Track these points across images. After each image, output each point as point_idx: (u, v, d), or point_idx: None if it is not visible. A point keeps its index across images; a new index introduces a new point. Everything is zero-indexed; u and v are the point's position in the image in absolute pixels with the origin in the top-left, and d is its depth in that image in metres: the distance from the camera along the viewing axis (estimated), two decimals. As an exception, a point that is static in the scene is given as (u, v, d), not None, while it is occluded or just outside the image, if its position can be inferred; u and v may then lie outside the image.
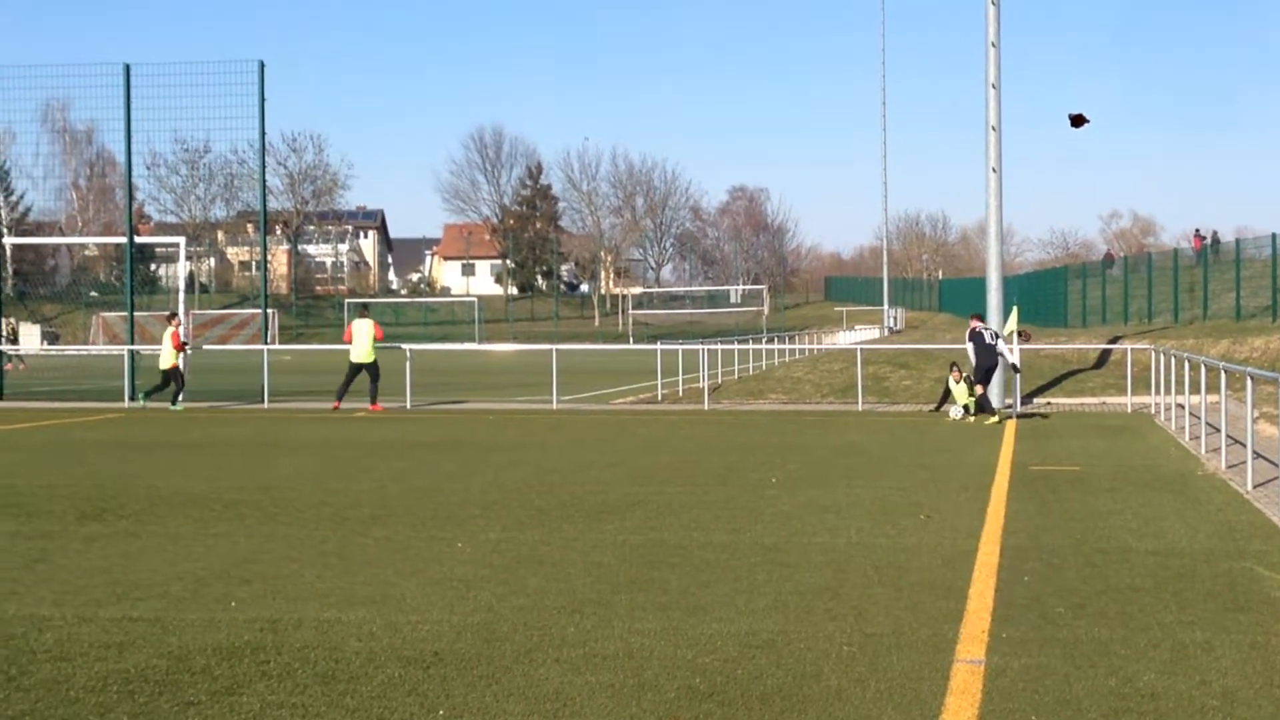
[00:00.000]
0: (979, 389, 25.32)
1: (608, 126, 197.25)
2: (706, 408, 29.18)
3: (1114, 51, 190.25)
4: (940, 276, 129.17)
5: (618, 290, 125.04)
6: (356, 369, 29.37)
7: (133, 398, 31.47)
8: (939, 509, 13.06)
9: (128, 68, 32.81)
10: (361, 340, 29.45)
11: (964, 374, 26.30)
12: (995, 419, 24.55)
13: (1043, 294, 69.33)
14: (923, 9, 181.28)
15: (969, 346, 25.55)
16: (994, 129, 28.16)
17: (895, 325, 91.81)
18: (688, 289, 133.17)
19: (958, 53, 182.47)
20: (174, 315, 30.78)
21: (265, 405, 30.37)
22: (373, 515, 12.83)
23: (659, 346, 35.12)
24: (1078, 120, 26.65)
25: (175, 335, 29.84)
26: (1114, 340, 39.96)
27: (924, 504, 13.41)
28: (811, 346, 54.67)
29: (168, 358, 29.78)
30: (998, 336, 25.76)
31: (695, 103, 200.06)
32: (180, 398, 29.72)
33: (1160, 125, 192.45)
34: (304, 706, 6.54)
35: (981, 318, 26.64)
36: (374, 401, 29.01)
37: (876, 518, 12.48)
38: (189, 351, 30.78)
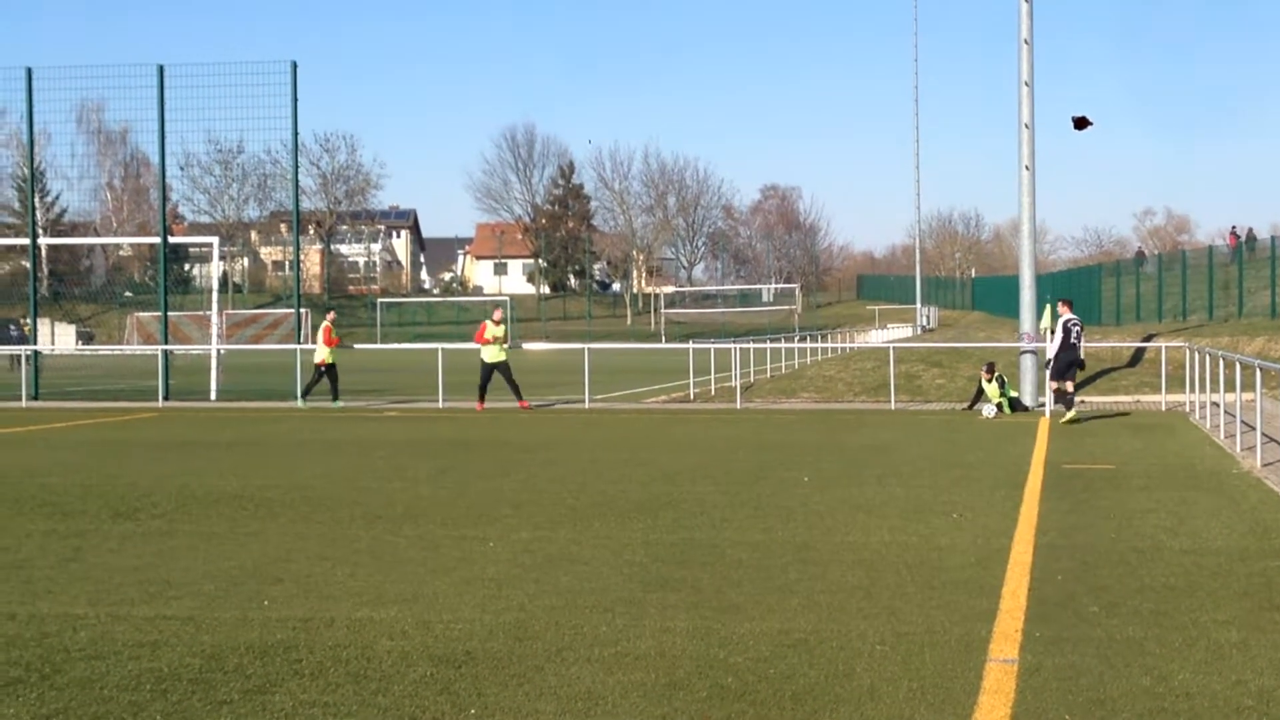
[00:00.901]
0: (1056, 384, 23.79)
1: (640, 125, 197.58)
2: (739, 406, 29.15)
3: (1147, 48, 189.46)
4: (973, 275, 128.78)
5: (650, 289, 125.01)
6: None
7: (167, 397, 31.60)
8: (972, 508, 13.01)
9: (161, 69, 32.99)
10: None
11: (995, 373, 26.18)
12: (1073, 415, 23.35)
13: (1076, 292, 68.84)
14: (955, 6, 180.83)
15: (1056, 335, 23.74)
16: (1027, 126, 28.04)
17: (928, 324, 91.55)
18: (720, 288, 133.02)
19: (990, 50, 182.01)
20: (330, 309, 30.54)
21: (300, 404, 30.43)
22: (405, 514, 12.85)
23: (691, 345, 35.10)
24: (1081, 123, 26.55)
25: (328, 330, 29.67)
26: (1148, 338, 39.74)
27: (957, 503, 13.37)
28: (844, 345, 54.57)
29: (321, 352, 29.63)
30: (1081, 332, 24.12)
31: (727, 101, 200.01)
32: (339, 394, 29.88)
33: (1194, 122, 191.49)
34: (336, 705, 6.55)
35: (1070, 304, 24.82)
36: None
37: (909, 516, 12.44)
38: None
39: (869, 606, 8.61)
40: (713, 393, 32.77)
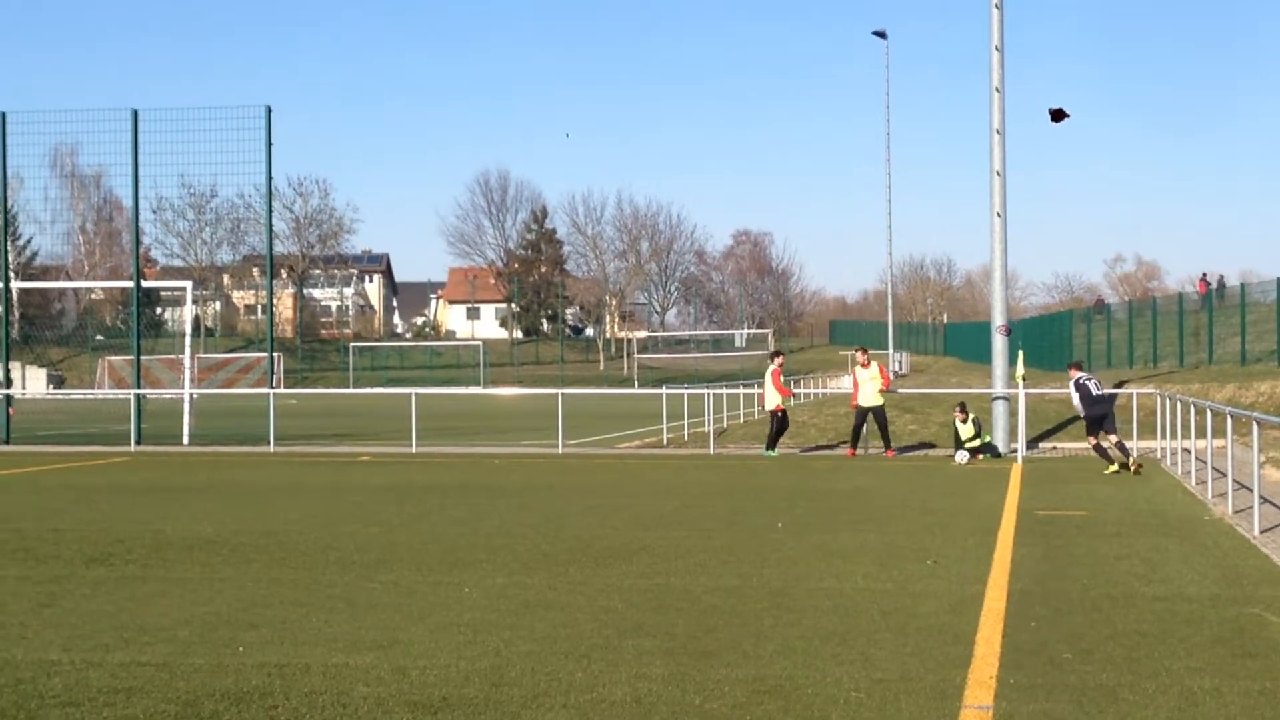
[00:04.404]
0: (1094, 440, 23.48)
1: (613, 170, 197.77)
2: (712, 452, 29.18)
3: (1115, 94, 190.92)
4: (945, 320, 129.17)
5: (623, 334, 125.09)
6: None
7: (139, 442, 31.49)
8: (946, 554, 13.06)
9: (135, 113, 33.05)
10: None
11: (970, 415, 26.26)
12: (1115, 468, 22.75)
13: (1047, 338, 69.38)
14: (927, 54, 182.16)
15: (1074, 397, 23.66)
16: (998, 174, 28.24)
17: (900, 369, 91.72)
18: (693, 333, 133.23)
19: (962, 97, 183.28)
20: (777, 354, 29.63)
21: (271, 449, 30.36)
22: (380, 560, 12.84)
23: (664, 391, 35.15)
24: (1057, 115, 26.45)
25: (776, 374, 28.59)
26: (1119, 384, 39.95)
27: (931, 549, 13.41)
28: (816, 391, 54.65)
29: (773, 398, 28.40)
30: (1101, 385, 23.91)
31: (699, 147, 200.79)
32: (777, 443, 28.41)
33: (1163, 168, 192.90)
34: (312, 752, 6.54)
35: (1080, 365, 24.75)
36: None
37: (883, 563, 12.48)
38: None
39: (844, 653, 8.63)
40: (686, 438, 32.80)
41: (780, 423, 28.15)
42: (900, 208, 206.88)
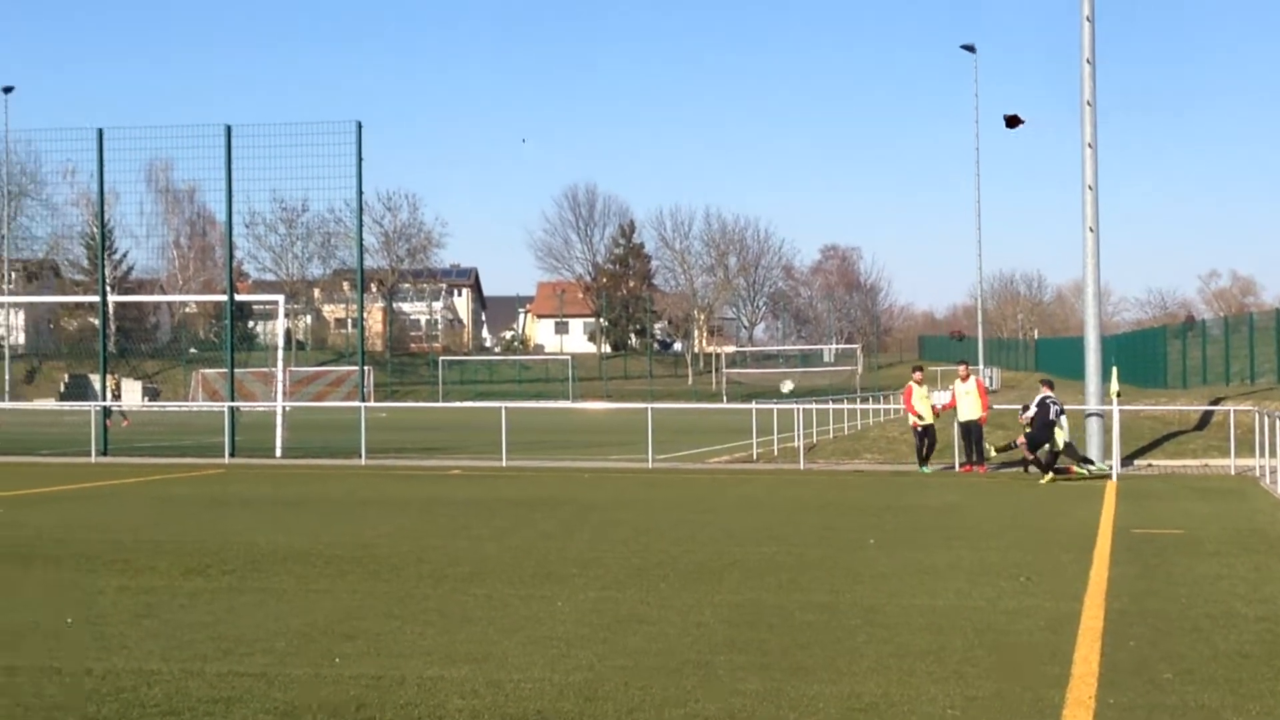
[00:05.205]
0: (1031, 455, 25.21)
1: (700, 184, 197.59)
2: (802, 467, 29.08)
3: (1209, 107, 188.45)
4: (1036, 336, 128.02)
5: (711, 349, 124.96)
6: None
7: (233, 454, 31.84)
8: (1040, 571, 12.93)
9: (229, 129, 33.45)
10: None
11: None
12: (1049, 478, 24.47)
13: (1141, 354, 68.55)
14: (1019, 68, 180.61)
15: (1031, 410, 25.41)
16: (1090, 188, 27.99)
17: (991, 385, 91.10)
18: (781, 348, 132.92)
19: (1054, 111, 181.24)
20: (914, 369, 29.43)
21: (363, 462, 30.60)
22: (472, 573, 12.89)
23: (754, 405, 35.08)
24: (1012, 121, 26.20)
25: (908, 392, 28.30)
26: (1216, 401, 39.40)
27: (1024, 566, 13.28)
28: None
29: (919, 412, 28.12)
30: (1062, 413, 25.37)
31: (787, 162, 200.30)
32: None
33: (1259, 182, 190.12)
34: (409, 763, 6.58)
35: (1052, 386, 26.34)
36: None
37: (976, 579, 12.37)
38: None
39: (938, 670, 8.56)
40: (775, 453, 32.73)
41: (920, 438, 27.94)
42: (990, 222, 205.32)
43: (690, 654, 9.07)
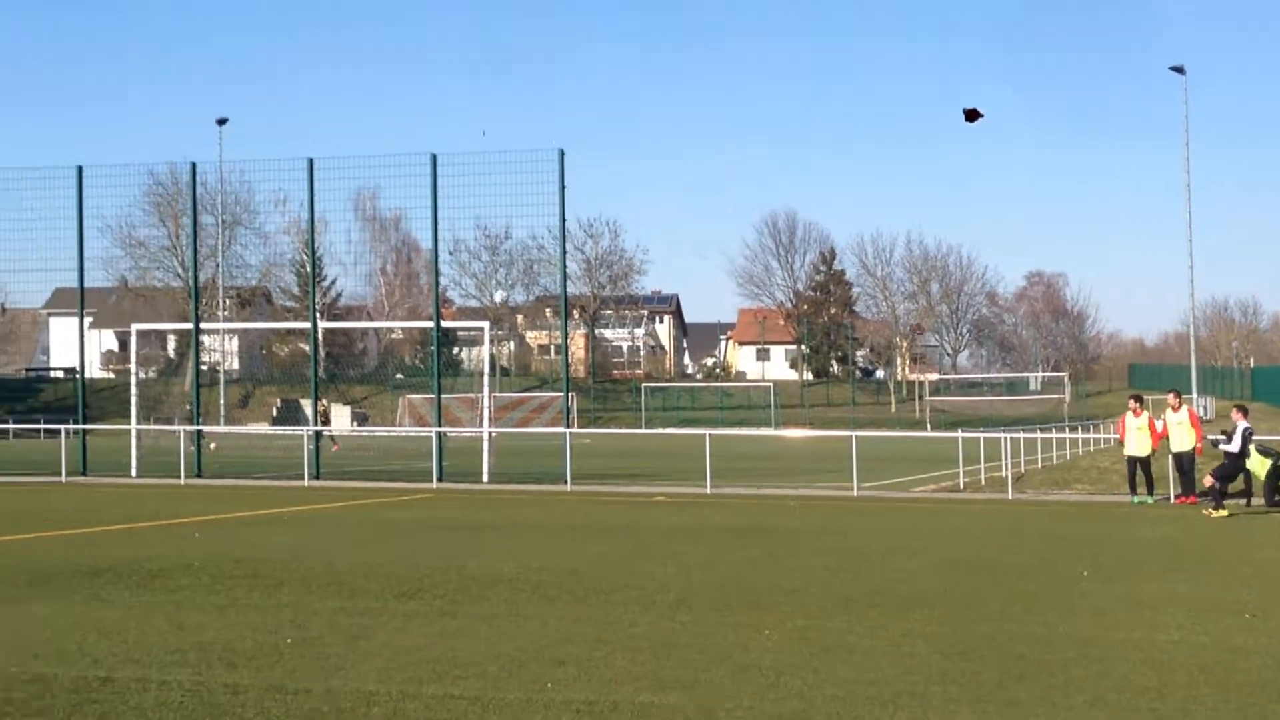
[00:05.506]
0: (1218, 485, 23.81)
1: (901, 211, 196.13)
2: (1010, 497, 28.59)
3: None
4: (1252, 364, 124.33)
5: (914, 376, 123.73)
6: None
7: (440, 479, 32.37)
8: (1265, 608, 12.51)
9: (434, 157, 34.06)
10: None
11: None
12: (1225, 512, 23.25)
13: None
14: (1226, 91, 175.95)
15: (1236, 440, 24.15)
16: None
17: (1205, 414, 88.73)
18: (986, 376, 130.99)
19: (1265, 132, 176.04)
20: (1131, 398, 28.44)
21: (568, 488, 30.86)
22: (678, 599, 12.91)
23: (960, 434, 34.60)
24: (971, 115, 25.02)
25: (1121, 422, 27.80)
26: None
27: (1248, 602, 12.87)
28: (1117, 436, 53.03)
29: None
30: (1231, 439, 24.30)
31: (989, 187, 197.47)
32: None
33: None
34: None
35: (1246, 412, 25.33)
36: None
37: (1197, 615, 12.02)
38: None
39: (1161, 708, 8.35)
40: (983, 482, 32.23)
41: (1133, 468, 27.22)
42: (1201, 247, 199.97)
43: (902, 685, 8.97)
